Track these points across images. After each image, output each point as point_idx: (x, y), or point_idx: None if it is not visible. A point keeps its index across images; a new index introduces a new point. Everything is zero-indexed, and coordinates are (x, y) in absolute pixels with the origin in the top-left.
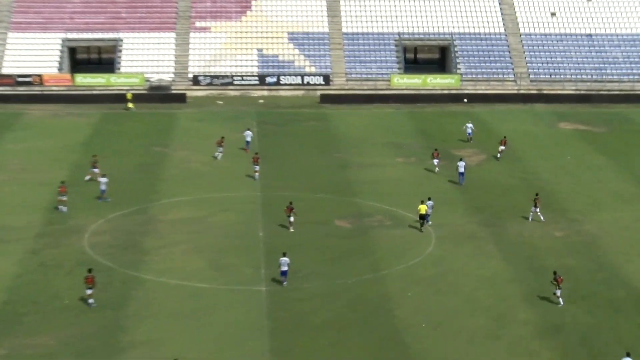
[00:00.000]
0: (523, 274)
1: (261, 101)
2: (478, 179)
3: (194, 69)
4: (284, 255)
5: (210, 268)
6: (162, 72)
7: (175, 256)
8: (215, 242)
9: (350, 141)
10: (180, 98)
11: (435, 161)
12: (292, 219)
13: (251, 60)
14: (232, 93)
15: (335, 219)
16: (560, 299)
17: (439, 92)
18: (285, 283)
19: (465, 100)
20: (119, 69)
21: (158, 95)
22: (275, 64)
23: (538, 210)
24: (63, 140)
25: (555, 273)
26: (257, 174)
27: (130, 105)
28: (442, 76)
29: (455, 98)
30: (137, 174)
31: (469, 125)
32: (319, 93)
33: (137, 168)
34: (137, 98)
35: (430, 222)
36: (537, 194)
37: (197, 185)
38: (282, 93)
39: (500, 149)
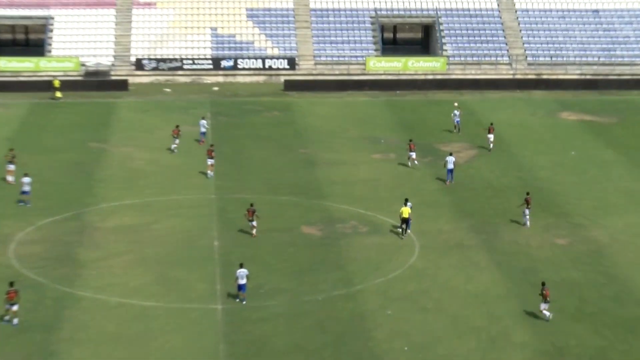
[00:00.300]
0: (519, 289)
1: (216, 88)
2: (467, 178)
3: (137, 51)
4: (242, 266)
5: (156, 283)
6: (99, 55)
7: (116, 270)
8: (163, 253)
9: (318, 135)
10: (121, 85)
11: (412, 154)
12: (254, 222)
13: (204, 41)
14: (182, 79)
15: (302, 225)
16: (546, 313)
17: (422, 77)
18: (244, 300)
19: (397, 92)
20: (49, 51)
21: (95, 82)
22: (231, 45)
23: (527, 213)
24: None
25: (543, 284)
26: (211, 170)
27: (58, 94)
28: (425, 59)
29: (441, 84)
30: (70, 174)
31: (456, 112)
32: (282, 79)
33: (70, 167)
34: (71, 85)
35: (409, 230)
36: (528, 193)
37: (141, 187)
38: (240, 79)
39: (490, 139)
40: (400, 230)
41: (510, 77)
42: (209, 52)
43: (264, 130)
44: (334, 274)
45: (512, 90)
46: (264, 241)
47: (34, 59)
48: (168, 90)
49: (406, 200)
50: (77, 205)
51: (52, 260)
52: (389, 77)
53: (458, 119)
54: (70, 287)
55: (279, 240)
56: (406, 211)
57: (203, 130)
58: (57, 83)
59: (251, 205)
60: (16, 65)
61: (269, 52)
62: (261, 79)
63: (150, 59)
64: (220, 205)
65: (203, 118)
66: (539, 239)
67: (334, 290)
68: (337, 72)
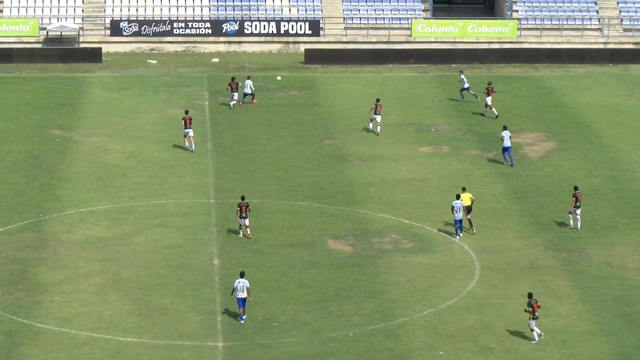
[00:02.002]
0: (610, 325)
1: (215, 60)
2: (543, 178)
3: (112, 11)
4: (242, 275)
5: (137, 314)
6: (64, 16)
7: (86, 295)
8: (145, 274)
9: (349, 121)
10: (92, 55)
11: (377, 117)
12: (247, 221)
13: None
14: (171, 48)
15: (327, 238)
16: (535, 333)
17: (485, 46)
18: (243, 318)
19: (453, 66)
20: (0, 11)
21: (58, 50)
22: (236, 3)
23: (578, 212)
24: None
25: (530, 297)
26: (190, 142)
27: None
28: (489, 22)
29: (509, 55)
30: (26, 171)
31: (462, 76)
32: (302, 48)
33: (25, 162)
34: (27, 55)
35: (460, 234)
36: (576, 188)
37: (118, 188)
38: (247, 48)
39: (488, 102)
40: (457, 229)
41: (601, 46)
42: (206, 13)
43: (277, 115)
44: (369, 303)
45: (602, 64)
46: (277, 259)
47: None
48: (153, 62)
49: (464, 189)
50: (34, 212)
51: (3, 282)
52: (442, 46)
53: (467, 85)
54: (27, 317)
55: (297, 259)
56: (467, 197)
57: (249, 91)
58: None
59: (242, 198)
60: None
61: (285, 12)
62: (275, 47)
63: (130, 22)
64: (220, 212)
65: (249, 78)
66: (637, 260)
67: (368, 324)
68: (373, 40)
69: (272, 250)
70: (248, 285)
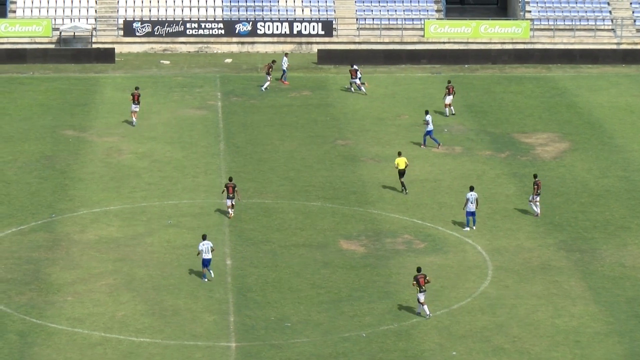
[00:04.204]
0: (623, 325)
1: (228, 61)
2: (556, 179)
3: (125, 11)
4: (204, 238)
5: (150, 314)
6: (77, 16)
7: (99, 295)
8: (158, 274)
9: (362, 122)
10: (106, 56)
11: (356, 80)
12: (232, 201)
13: None
14: (184, 48)
15: (340, 239)
16: (426, 308)
17: (498, 47)
18: (211, 277)
19: (465, 66)
20: (12, 12)
21: (72, 51)
22: (249, 4)
23: (537, 199)
24: None
25: (419, 270)
26: (135, 116)
27: None
28: (502, 23)
29: (522, 56)
30: (39, 171)
31: (428, 118)
32: (315, 48)
33: (39, 162)
34: (40, 56)
35: (474, 227)
36: (535, 176)
37: (131, 189)
38: (260, 48)
39: (447, 102)
40: (468, 220)
41: (614, 47)
42: (219, 14)
43: (290, 115)
44: (382, 304)
45: (615, 65)
46: (290, 260)
47: None
48: (166, 62)
49: (472, 188)
50: (47, 212)
51: (16, 282)
52: (455, 47)
53: (430, 128)
54: (40, 317)
55: (310, 259)
56: (402, 162)
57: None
58: None
59: (230, 179)
60: None
61: (298, 13)
62: (287, 48)
63: (143, 22)
64: (234, 212)
65: (286, 55)
66: None
67: (381, 324)
68: (386, 40)
69: (284, 250)
70: (212, 245)
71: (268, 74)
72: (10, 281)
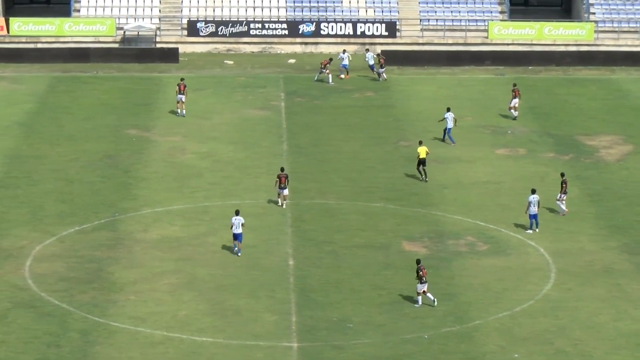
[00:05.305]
0: None
1: (291, 61)
2: (619, 182)
3: (189, 11)
4: (237, 213)
5: (212, 313)
6: (141, 16)
7: (160, 295)
8: (220, 274)
9: (424, 123)
10: (169, 55)
11: (381, 70)
12: (286, 191)
13: None
14: (248, 48)
15: (403, 240)
16: (430, 295)
17: (562, 48)
18: (239, 252)
19: (529, 68)
20: (77, 11)
21: (135, 50)
22: (313, 4)
23: (564, 198)
24: None
25: (418, 262)
26: (181, 108)
27: None
28: (566, 25)
29: (586, 58)
30: (101, 171)
31: (447, 115)
32: (379, 49)
33: (101, 161)
34: (104, 55)
35: (536, 229)
36: (563, 174)
37: (193, 188)
38: (324, 49)
39: (512, 105)
40: (532, 223)
41: None
42: (283, 14)
43: (353, 116)
44: (444, 306)
45: None
46: (352, 261)
47: (57, 21)
48: (229, 62)
49: (533, 191)
50: (110, 211)
51: (79, 281)
52: (518, 48)
53: (371, 62)
54: (102, 316)
55: (372, 260)
56: (423, 151)
57: (345, 63)
58: None
59: (282, 170)
60: (34, 29)
61: (362, 14)
62: (351, 49)
63: (206, 22)
64: (295, 213)
65: (344, 51)
66: None
67: (443, 326)
68: (449, 41)
69: (346, 251)
70: (243, 221)
71: (324, 68)
72: (72, 280)
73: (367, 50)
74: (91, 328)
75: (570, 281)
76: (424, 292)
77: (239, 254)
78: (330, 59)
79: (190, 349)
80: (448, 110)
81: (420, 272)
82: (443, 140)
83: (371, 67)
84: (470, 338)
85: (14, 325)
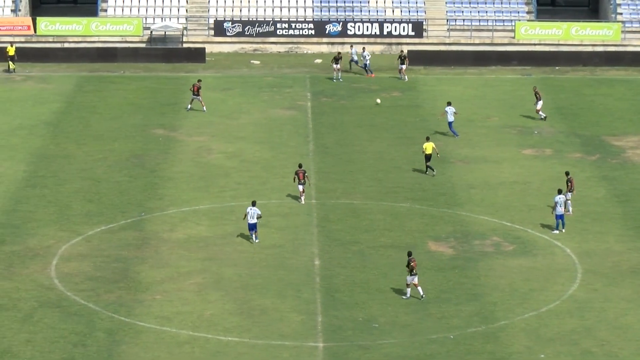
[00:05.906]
0: None
1: (318, 61)
2: None
3: (216, 11)
4: (254, 204)
5: (238, 313)
6: (168, 15)
7: (187, 294)
8: (246, 274)
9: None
10: (196, 55)
11: (402, 67)
12: (301, 187)
13: None
14: (275, 48)
15: (429, 240)
16: (420, 290)
17: (589, 49)
18: (256, 239)
19: (556, 68)
20: (104, 10)
21: (162, 50)
22: (339, 4)
23: (569, 197)
24: (19, 118)
25: (410, 254)
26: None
27: (12, 65)
28: (593, 25)
29: (613, 58)
30: (128, 170)
31: (447, 109)
32: (405, 49)
33: (128, 161)
34: (131, 55)
35: (563, 230)
36: (567, 173)
37: (220, 188)
38: (350, 49)
39: (538, 107)
40: (558, 224)
41: None
42: (309, 14)
43: (379, 116)
44: (470, 306)
45: None
46: (378, 261)
47: (84, 21)
48: (256, 62)
49: (560, 191)
50: (137, 210)
51: (105, 281)
52: (545, 49)
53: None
54: (128, 315)
55: (398, 260)
56: (429, 147)
57: (366, 62)
58: (11, 50)
59: (300, 166)
60: (61, 29)
61: (389, 14)
62: (377, 49)
63: (233, 22)
64: (322, 213)
65: (364, 49)
66: None
67: (469, 326)
68: (476, 42)
69: (372, 251)
70: (259, 212)
71: (336, 63)
72: (99, 279)
73: (351, 46)
74: (117, 328)
75: (596, 282)
76: (414, 284)
77: (257, 240)
78: (339, 53)
79: (216, 349)
80: (449, 104)
81: (412, 264)
82: (456, 134)
83: (355, 62)
84: (496, 338)
85: (40, 325)
